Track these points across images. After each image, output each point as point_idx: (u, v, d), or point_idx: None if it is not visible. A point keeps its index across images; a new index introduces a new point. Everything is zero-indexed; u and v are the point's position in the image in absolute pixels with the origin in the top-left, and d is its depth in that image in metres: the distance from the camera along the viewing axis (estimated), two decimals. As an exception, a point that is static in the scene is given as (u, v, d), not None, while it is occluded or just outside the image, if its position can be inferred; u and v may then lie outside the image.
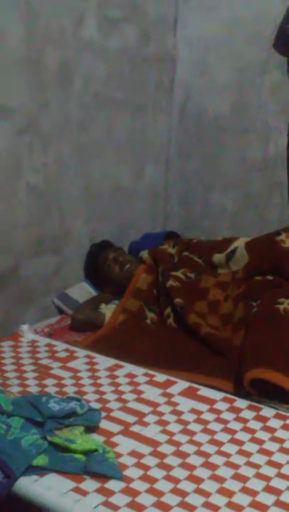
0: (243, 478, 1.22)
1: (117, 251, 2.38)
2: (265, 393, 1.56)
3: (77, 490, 1.17)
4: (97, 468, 1.21)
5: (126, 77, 2.48)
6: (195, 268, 2.22)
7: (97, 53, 2.30)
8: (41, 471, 1.22)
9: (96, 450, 1.26)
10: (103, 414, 1.44)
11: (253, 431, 1.40)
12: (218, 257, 2.24)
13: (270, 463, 1.28)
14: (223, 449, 1.33)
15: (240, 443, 1.35)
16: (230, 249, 2.22)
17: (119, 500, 1.14)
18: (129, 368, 1.72)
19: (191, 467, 1.26)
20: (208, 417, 1.46)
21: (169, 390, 1.59)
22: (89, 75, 2.28)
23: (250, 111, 2.56)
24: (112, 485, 1.19)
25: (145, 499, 1.15)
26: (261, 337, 1.72)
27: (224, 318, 2.01)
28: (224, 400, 1.55)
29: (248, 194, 2.63)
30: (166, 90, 2.73)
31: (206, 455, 1.30)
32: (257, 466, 1.27)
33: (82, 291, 2.39)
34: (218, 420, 1.45)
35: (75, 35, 2.18)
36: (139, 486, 1.19)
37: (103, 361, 1.76)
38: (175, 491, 1.17)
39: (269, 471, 1.25)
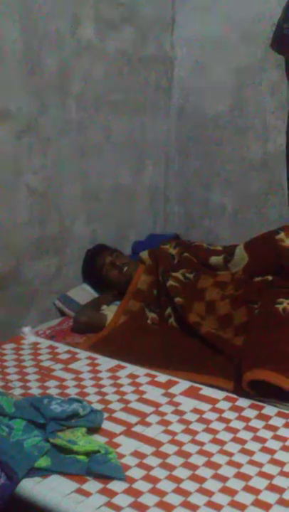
0: (246, 477, 1.23)
1: (112, 254, 2.37)
2: (264, 393, 1.56)
3: (80, 491, 1.18)
4: (99, 469, 1.22)
5: (124, 78, 2.48)
6: (194, 269, 2.22)
7: (95, 55, 2.31)
8: (44, 472, 1.23)
9: (98, 451, 1.27)
10: (105, 415, 1.44)
11: (255, 429, 1.41)
12: (215, 259, 2.24)
13: (273, 461, 1.28)
14: (226, 448, 1.33)
15: (242, 442, 1.36)
16: (229, 252, 2.22)
17: (122, 500, 1.15)
18: (130, 368, 1.73)
19: (193, 467, 1.26)
20: (211, 416, 1.46)
21: (171, 390, 1.59)
22: (87, 77, 2.29)
23: (248, 110, 2.56)
24: (115, 486, 1.19)
25: (148, 499, 1.15)
26: (260, 338, 1.72)
27: (222, 319, 2.00)
28: (226, 399, 1.55)
29: (248, 193, 2.63)
30: (164, 91, 2.74)
31: (209, 454, 1.30)
32: (259, 465, 1.27)
33: (84, 292, 2.39)
34: (221, 419, 1.45)
35: (73, 38, 2.18)
36: (141, 486, 1.19)
37: (105, 362, 1.77)
38: (178, 491, 1.18)
39: (272, 470, 1.25)
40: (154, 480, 1.21)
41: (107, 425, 1.41)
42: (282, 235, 2.12)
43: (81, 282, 2.42)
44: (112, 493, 1.17)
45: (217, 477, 1.22)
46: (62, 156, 2.23)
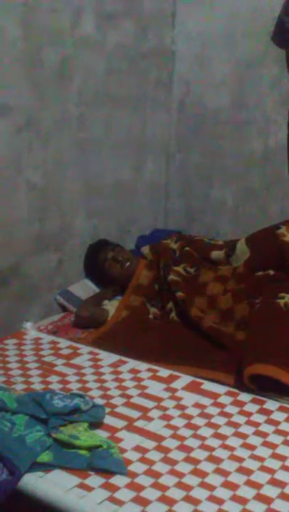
0: (248, 471, 1.23)
1: (114, 249, 2.37)
2: (265, 387, 1.56)
3: (82, 486, 1.18)
4: (101, 463, 1.22)
5: (124, 72, 2.47)
6: (195, 263, 2.22)
7: (95, 49, 2.30)
8: (46, 467, 1.23)
9: (100, 446, 1.27)
10: (107, 410, 1.45)
11: (257, 424, 1.41)
12: (216, 254, 2.24)
13: (275, 455, 1.29)
14: (228, 442, 1.33)
15: (244, 436, 1.36)
16: (230, 247, 2.22)
17: (124, 495, 1.15)
18: (132, 363, 1.73)
19: (195, 461, 1.26)
20: (212, 410, 1.47)
21: (173, 385, 1.59)
22: (87, 72, 2.28)
23: (249, 104, 2.55)
24: (117, 480, 1.19)
25: (150, 494, 1.16)
26: (261, 332, 1.72)
27: (223, 314, 2.01)
28: (228, 393, 1.55)
29: (249, 188, 2.63)
30: (165, 85, 2.73)
31: (211, 449, 1.31)
32: (261, 459, 1.27)
33: (85, 287, 2.39)
34: (222, 414, 1.45)
35: (73, 32, 2.17)
36: (143, 480, 1.20)
37: (107, 357, 1.77)
38: (179, 485, 1.18)
39: (273, 464, 1.26)
40: (156, 474, 1.21)
41: (109, 420, 1.41)
42: (283, 230, 2.12)
43: (83, 277, 2.42)
44: (114, 488, 1.17)
45: (219, 471, 1.23)
46: (63, 152, 2.23)
